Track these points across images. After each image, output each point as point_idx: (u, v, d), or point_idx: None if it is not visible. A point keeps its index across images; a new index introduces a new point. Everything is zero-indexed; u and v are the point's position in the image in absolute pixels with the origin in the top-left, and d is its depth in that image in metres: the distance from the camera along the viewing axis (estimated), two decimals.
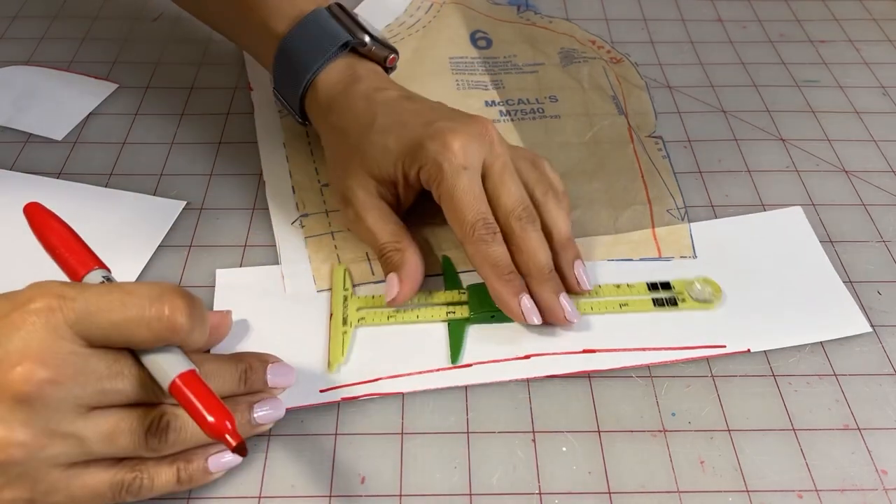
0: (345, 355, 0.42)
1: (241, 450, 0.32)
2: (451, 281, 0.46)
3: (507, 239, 0.43)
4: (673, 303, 0.45)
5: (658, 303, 0.45)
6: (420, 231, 0.48)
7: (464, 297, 0.44)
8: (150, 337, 0.33)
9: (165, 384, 0.33)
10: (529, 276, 0.43)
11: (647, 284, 0.45)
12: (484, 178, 0.44)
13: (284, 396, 0.39)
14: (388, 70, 0.51)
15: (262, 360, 0.39)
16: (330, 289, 0.45)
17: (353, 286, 0.45)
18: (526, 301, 0.42)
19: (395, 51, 0.51)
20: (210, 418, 0.32)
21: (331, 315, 0.44)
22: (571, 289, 0.44)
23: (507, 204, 0.43)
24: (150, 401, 0.34)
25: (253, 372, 0.38)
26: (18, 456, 0.31)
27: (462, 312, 0.44)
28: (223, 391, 0.37)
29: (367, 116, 0.46)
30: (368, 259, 0.47)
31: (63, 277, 0.37)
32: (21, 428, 0.31)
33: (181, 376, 0.33)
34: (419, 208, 0.47)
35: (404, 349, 0.42)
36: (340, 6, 0.51)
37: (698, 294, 0.45)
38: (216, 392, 0.33)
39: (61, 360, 0.31)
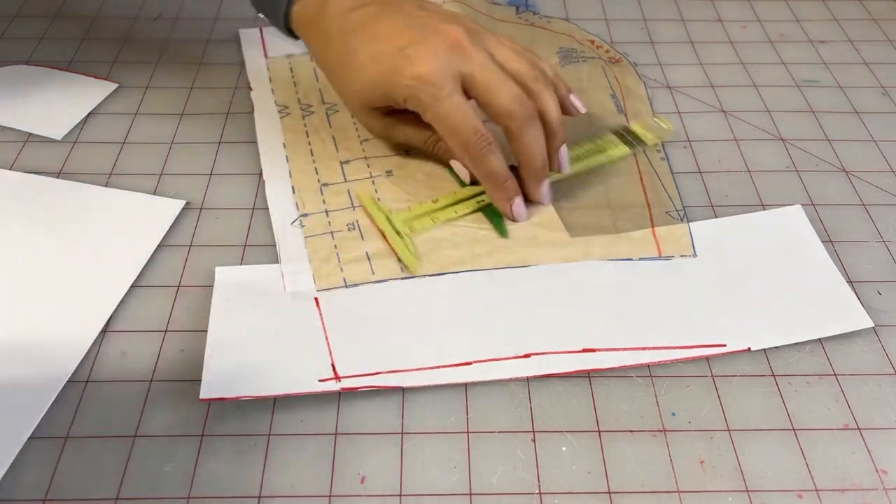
0: (416, 256, 0.46)
1: None
2: (462, 182, 0.51)
3: (506, 134, 0.47)
4: (640, 141, 0.54)
5: (630, 144, 0.54)
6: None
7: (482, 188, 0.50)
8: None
9: None
10: (525, 171, 0.48)
11: (613, 132, 0.55)
12: (468, 86, 0.46)
13: (284, 387, 0.39)
14: None
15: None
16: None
17: (354, 285, 0.46)
18: (517, 205, 0.48)
19: None
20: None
21: (382, 233, 0.48)
22: (553, 170, 0.50)
23: (500, 106, 0.46)
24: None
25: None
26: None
27: (488, 198, 0.50)
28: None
29: (343, 53, 0.48)
30: (368, 259, 0.47)
31: None
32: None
33: None
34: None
35: (403, 342, 0.42)
36: None
37: (653, 125, 0.55)
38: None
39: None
